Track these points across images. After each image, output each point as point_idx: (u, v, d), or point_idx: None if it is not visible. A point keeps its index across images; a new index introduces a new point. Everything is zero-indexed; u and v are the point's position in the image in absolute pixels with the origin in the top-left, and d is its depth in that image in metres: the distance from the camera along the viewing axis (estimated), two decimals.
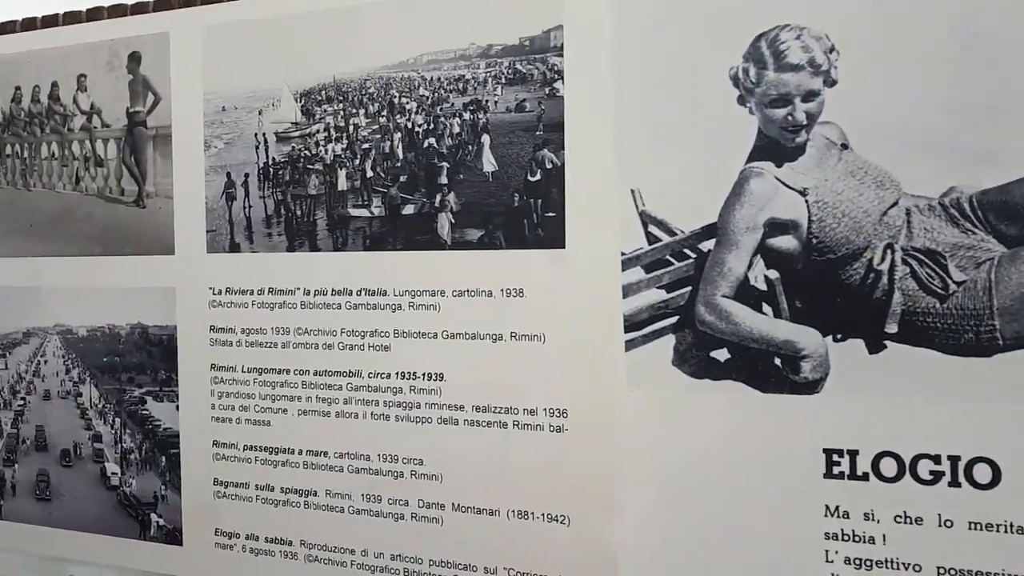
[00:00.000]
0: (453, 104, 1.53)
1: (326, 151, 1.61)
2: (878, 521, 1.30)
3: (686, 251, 1.40)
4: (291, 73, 1.63)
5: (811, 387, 1.32)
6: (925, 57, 1.26)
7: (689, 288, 1.40)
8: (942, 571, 1.28)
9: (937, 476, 1.27)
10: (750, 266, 1.35)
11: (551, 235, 1.45)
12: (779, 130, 1.33)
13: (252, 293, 1.66)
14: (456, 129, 1.51)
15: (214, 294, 1.69)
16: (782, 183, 1.33)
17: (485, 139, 1.50)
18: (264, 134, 1.67)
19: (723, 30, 1.36)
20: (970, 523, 1.27)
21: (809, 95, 1.30)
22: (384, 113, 1.56)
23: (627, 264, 1.42)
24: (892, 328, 1.28)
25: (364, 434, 1.59)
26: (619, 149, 1.41)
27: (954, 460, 1.27)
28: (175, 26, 1.71)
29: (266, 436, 1.67)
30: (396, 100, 1.55)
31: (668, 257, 1.41)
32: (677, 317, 1.41)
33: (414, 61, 1.53)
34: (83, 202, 1.85)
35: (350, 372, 1.59)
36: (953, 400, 1.26)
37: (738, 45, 1.36)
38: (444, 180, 1.52)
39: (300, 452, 1.64)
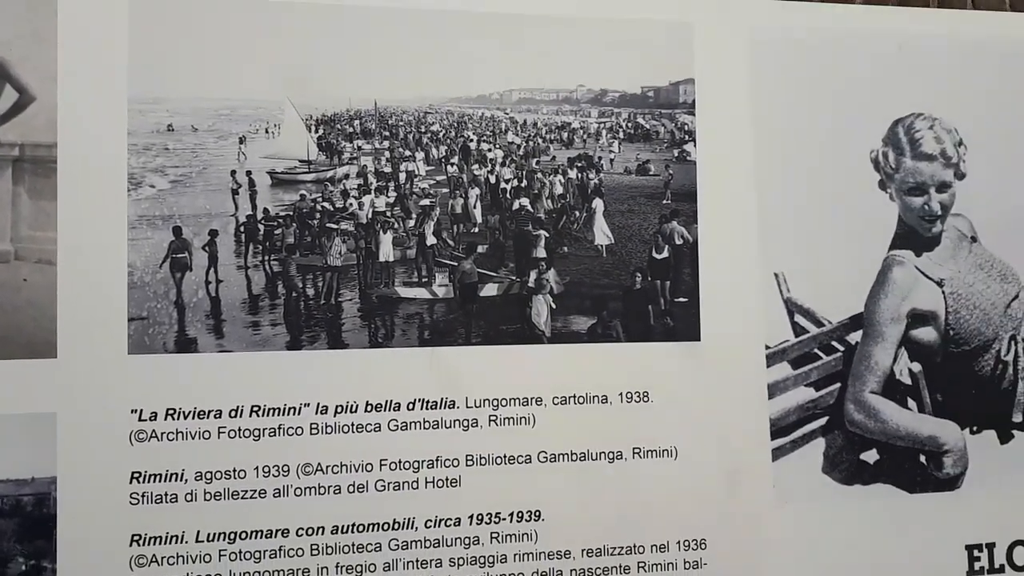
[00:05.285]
0: (555, 158, 1.08)
1: (360, 205, 1.01)
2: None
3: (834, 344, 1.15)
4: (300, 86, 1.00)
5: (952, 483, 1.18)
6: None
7: (838, 385, 1.14)
8: None
9: None
10: (895, 359, 1.15)
11: (682, 325, 1.08)
12: (917, 219, 1.18)
13: (219, 416, 0.96)
14: (559, 189, 1.07)
15: (141, 420, 0.93)
16: (922, 273, 1.18)
17: (597, 204, 1.08)
18: (249, 173, 0.99)
19: (862, 110, 1.17)
20: None
21: (942, 186, 1.18)
22: (455, 160, 1.04)
23: (772, 359, 1.12)
24: (1019, 417, 1.21)
25: None
26: (761, 226, 1.11)
27: None
28: None
29: None
30: (473, 145, 1.04)
31: (816, 351, 1.14)
32: (827, 418, 1.14)
33: (500, 97, 1.04)
34: None
35: (395, 523, 0.99)
36: None
37: (877, 128, 1.17)
38: (542, 253, 1.05)
39: None
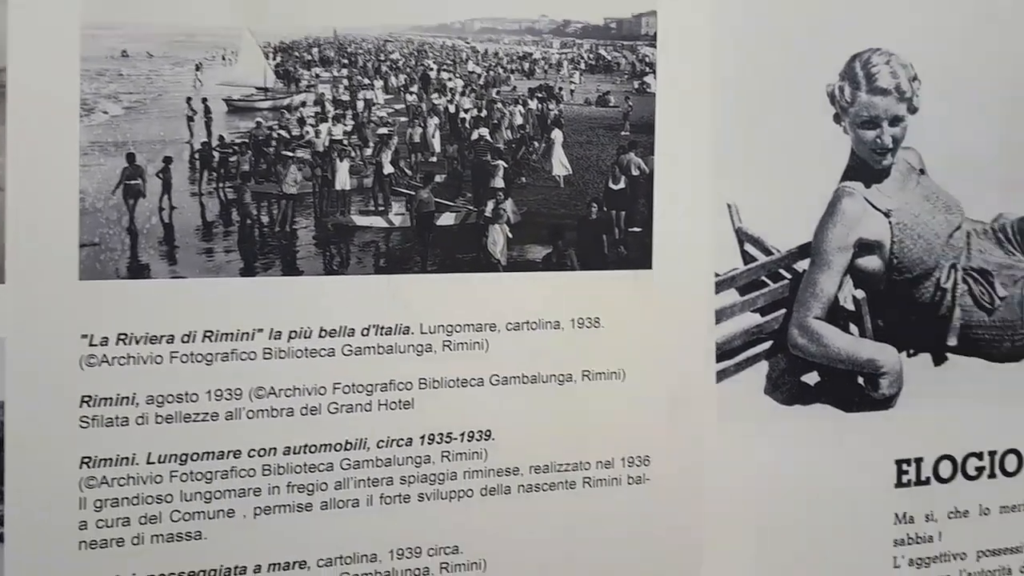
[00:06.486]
0: (515, 88, 0.92)
1: (317, 134, 0.86)
2: (936, 520, 1.08)
3: (782, 272, 1.02)
4: (258, 13, 0.84)
5: (887, 403, 1.07)
6: (987, 95, 1.08)
7: (783, 311, 1.02)
8: (980, 554, 1.09)
9: (980, 471, 1.11)
10: (840, 286, 1.02)
11: (635, 254, 0.95)
12: (869, 152, 1.04)
13: (172, 341, 0.83)
14: (518, 120, 0.92)
15: (92, 344, 0.81)
16: (870, 204, 1.05)
17: (556, 135, 0.93)
18: (205, 100, 0.84)
19: (821, 45, 1.01)
20: (1001, 507, 1.10)
21: (895, 120, 1.04)
22: (414, 90, 0.88)
23: (721, 286, 0.99)
24: (953, 341, 1.09)
25: (368, 528, 0.90)
26: (716, 158, 0.96)
27: (992, 454, 1.10)
28: None
29: (196, 555, 0.84)
30: (433, 74, 0.88)
31: (764, 278, 1.01)
32: (771, 342, 1.02)
33: (462, 26, 0.88)
34: None
35: (347, 444, 0.88)
36: (993, 401, 1.14)
37: (834, 62, 1.02)
38: (500, 183, 0.91)
39: (259, 570, 0.86)
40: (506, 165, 0.91)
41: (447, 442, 0.92)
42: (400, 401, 0.90)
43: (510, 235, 0.92)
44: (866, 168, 1.03)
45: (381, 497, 0.90)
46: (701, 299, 0.99)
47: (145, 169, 0.83)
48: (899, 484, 1.07)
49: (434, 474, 0.92)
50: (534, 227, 0.93)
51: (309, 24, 0.85)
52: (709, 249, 0.99)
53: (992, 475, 1.11)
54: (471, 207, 0.91)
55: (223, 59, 0.84)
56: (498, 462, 0.93)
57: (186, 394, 0.84)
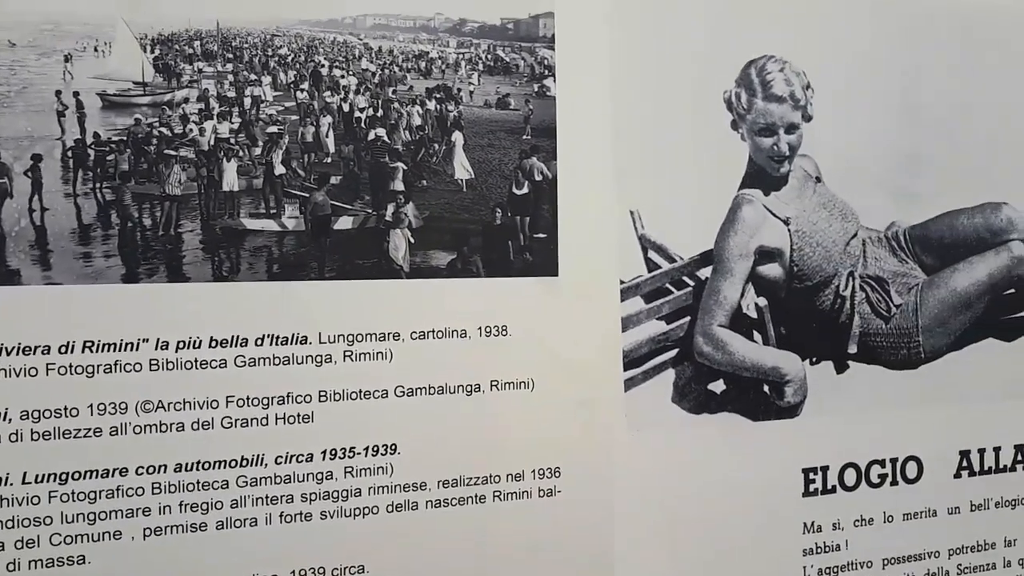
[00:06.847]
0: (412, 87, 0.94)
1: (202, 131, 0.85)
2: (843, 529, 1.14)
3: (685, 279, 1.06)
4: (134, 2, 0.83)
5: (792, 411, 1.14)
6: (879, 105, 1.18)
7: (688, 318, 1.07)
8: (886, 562, 1.15)
9: (883, 478, 1.17)
10: (743, 294, 1.07)
11: (541, 260, 0.99)
12: (766, 159, 1.11)
13: (48, 352, 0.81)
14: (417, 121, 0.94)
15: None
16: (770, 211, 1.12)
17: (457, 137, 0.96)
18: (77, 94, 0.83)
19: (719, 49, 1.09)
20: (904, 514, 1.16)
21: (791, 127, 1.12)
22: (305, 87, 0.90)
23: (626, 293, 1.04)
24: (853, 349, 1.17)
25: (269, 548, 0.90)
26: (618, 164, 1.01)
27: (894, 462, 1.17)
28: None
29: None
30: (325, 71, 0.90)
31: (668, 286, 1.05)
32: (677, 350, 1.06)
33: (353, 22, 0.91)
34: None
35: (243, 460, 0.88)
36: (892, 408, 1.22)
37: (733, 68, 1.08)
38: (400, 186, 0.94)
39: None
40: (405, 167, 0.93)
41: (350, 457, 0.92)
42: (299, 415, 0.90)
43: (412, 240, 0.94)
44: (764, 175, 1.11)
45: (281, 516, 0.90)
46: (608, 307, 1.03)
47: (11, 167, 0.81)
48: (806, 493, 1.13)
49: (337, 491, 0.91)
50: (437, 232, 0.95)
51: (190, 15, 0.86)
52: (614, 256, 1.03)
53: (894, 482, 1.17)
54: (370, 211, 0.92)
55: (96, 50, 0.83)
56: (404, 477, 0.94)
57: (65, 409, 0.82)
